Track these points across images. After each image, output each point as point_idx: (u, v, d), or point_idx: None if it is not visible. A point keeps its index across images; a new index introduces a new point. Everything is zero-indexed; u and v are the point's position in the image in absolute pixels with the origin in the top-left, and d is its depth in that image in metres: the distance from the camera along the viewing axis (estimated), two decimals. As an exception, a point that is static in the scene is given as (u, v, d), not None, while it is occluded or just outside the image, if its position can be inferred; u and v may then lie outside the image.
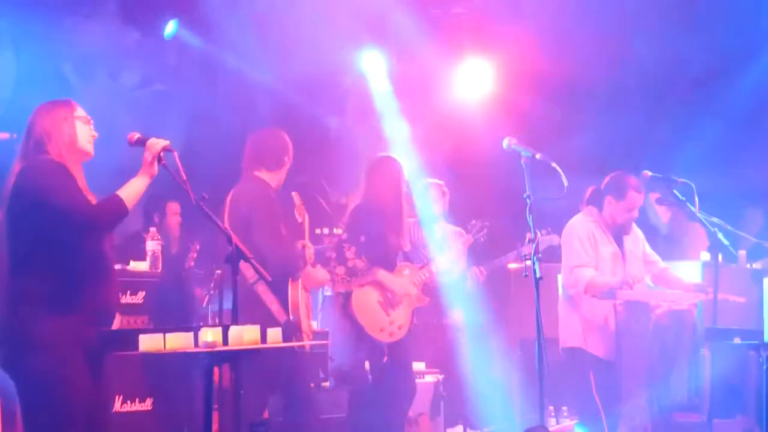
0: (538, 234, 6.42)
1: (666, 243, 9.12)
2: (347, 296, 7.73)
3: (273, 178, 7.13)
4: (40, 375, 5.03)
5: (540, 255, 6.49)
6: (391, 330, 7.74)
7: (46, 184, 5.10)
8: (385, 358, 7.68)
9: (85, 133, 5.33)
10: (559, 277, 7.85)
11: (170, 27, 9.59)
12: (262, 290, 6.82)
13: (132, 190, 5.26)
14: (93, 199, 5.26)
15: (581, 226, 7.72)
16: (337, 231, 9.59)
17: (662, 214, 9.26)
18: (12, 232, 5.15)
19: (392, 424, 7.78)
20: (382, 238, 7.76)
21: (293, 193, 7.48)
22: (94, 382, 5.21)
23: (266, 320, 5.27)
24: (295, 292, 6.91)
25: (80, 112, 5.36)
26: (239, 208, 6.89)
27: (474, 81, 10.90)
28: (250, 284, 6.76)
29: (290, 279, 6.94)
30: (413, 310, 7.95)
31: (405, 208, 7.96)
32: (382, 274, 7.76)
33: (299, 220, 7.35)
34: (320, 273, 7.32)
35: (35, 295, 5.06)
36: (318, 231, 9.67)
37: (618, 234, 7.82)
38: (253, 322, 5.14)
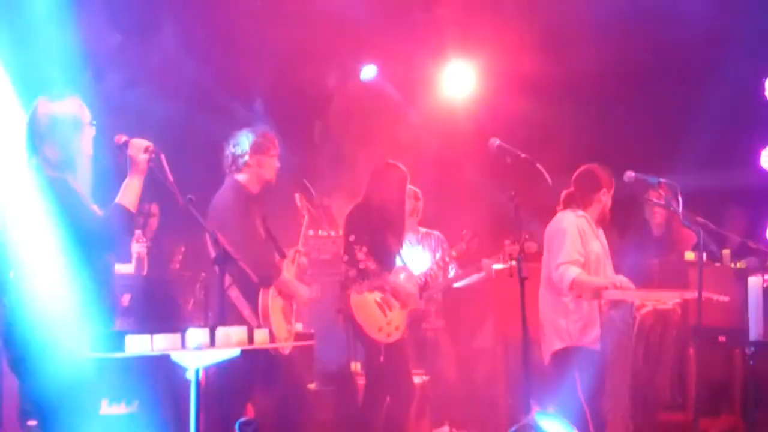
0: (525, 234, 6.42)
1: (655, 244, 9.16)
2: (346, 296, 7.75)
3: (249, 179, 7.10)
4: (47, 378, 5.04)
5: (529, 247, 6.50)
6: (389, 331, 7.78)
7: (54, 208, 5.07)
8: (382, 358, 7.70)
9: (90, 138, 5.33)
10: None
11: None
12: (235, 295, 6.79)
13: (130, 194, 5.24)
14: (97, 210, 5.24)
15: (571, 222, 7.66)
16: (322, 233, 9.60)
17: (657, 215, 9.31)
18: (19, 243, 5.15)
19: (392, 425, 7.81)
20: (382, 239, 7.82)
21: (296, 194, 7.50)
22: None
23: (239, 325, 5.30)
24: (266, 298, 6.89)
25: (87, 115, 5.33)
26: (213, 214, 6.86)
27: (458, 83, 10.92)
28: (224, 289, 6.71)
29: (262, 286, 6.86)
30: (409, 312, 7.99)
31: (407, 215, 8.05)
32: (393, 281, 7.80)
33: (302, 222, 7.40)
34: (302, 289, 7.28)
35: (39, 301, 5.06)
36: (303, 233, 9.66)
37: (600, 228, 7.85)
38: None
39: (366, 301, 7.77)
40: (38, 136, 5.18)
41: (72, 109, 5.26)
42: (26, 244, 5.15)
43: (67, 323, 5.05)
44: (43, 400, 5.16)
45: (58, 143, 5.17)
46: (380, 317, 7.78)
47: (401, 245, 8.10)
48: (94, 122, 5.34)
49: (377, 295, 7.80)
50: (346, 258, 7.83)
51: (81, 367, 5.08)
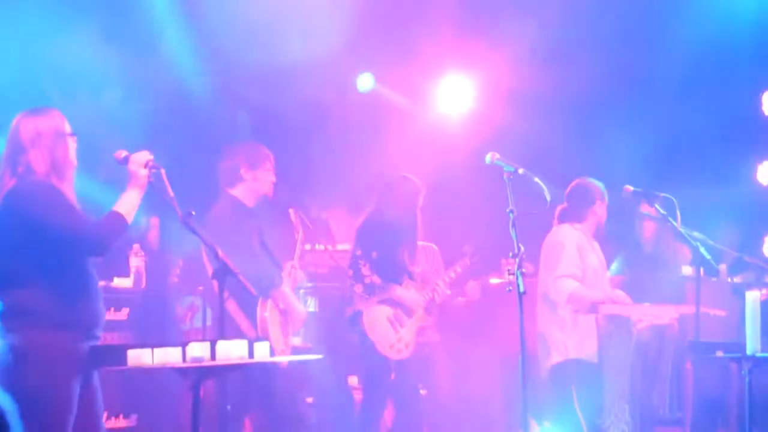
0: (522, 248, 6.42)
1: (650, 259, 9.17)
2: (358, 312, 7.76)
3: (244, 194, 7.10)
4: (31, 389, 5.01)
5: (523, 270, 6.51)
6: (400, 347, 7.81)
7: (44, 210, 5.07)
8: (393, 375, 7.72)
9: (73, 149, 5.34)
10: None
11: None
12: (233, 308, 6.80)
13: (129, 204, 5.25)
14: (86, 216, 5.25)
15: (570, 235, 7.67)
16: (319, 247, 9.60)
17: (647, 230, 9.32)
18: (4, 250, 5.15)
19: None
20: (393, 255, 7.82)
21: (290, 210, 7.51)
22: (86, 397, 5.21)
23: (236, 337, 5.32)
24: (263, 311, 6.89)
25: (68, 126, 5.34)
26: (209, 229, 6.86)
27: (455, 97, 10.94)
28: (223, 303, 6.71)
29: (260, 298, 6.89)
30: (418, 329, 8.00)
31: (420, 229, 8.04)
32: (399, 291, 7.81)
33: (297, 237, 7.41)
34: (300, 306, 7.28)
35: (26, 310, 5.06)
36: (300, 247, 9.66)
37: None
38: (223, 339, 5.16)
39: (378, 318, 7.79)
40: (22, 148, 5.20)
41: (54, 122, 5.30)
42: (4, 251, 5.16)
43: (44, 332, 5.05)
44: (18, 413, 5.12)
45: (43, 151, 5.19)
46: (392, 334, 7.80)
47: (414, 259, 8.09)
48: (74, 134, 5.35)
49: (389, 312, 7.81)
50: (351, 272, 7.85)
51: (60, 378, 5.08)
